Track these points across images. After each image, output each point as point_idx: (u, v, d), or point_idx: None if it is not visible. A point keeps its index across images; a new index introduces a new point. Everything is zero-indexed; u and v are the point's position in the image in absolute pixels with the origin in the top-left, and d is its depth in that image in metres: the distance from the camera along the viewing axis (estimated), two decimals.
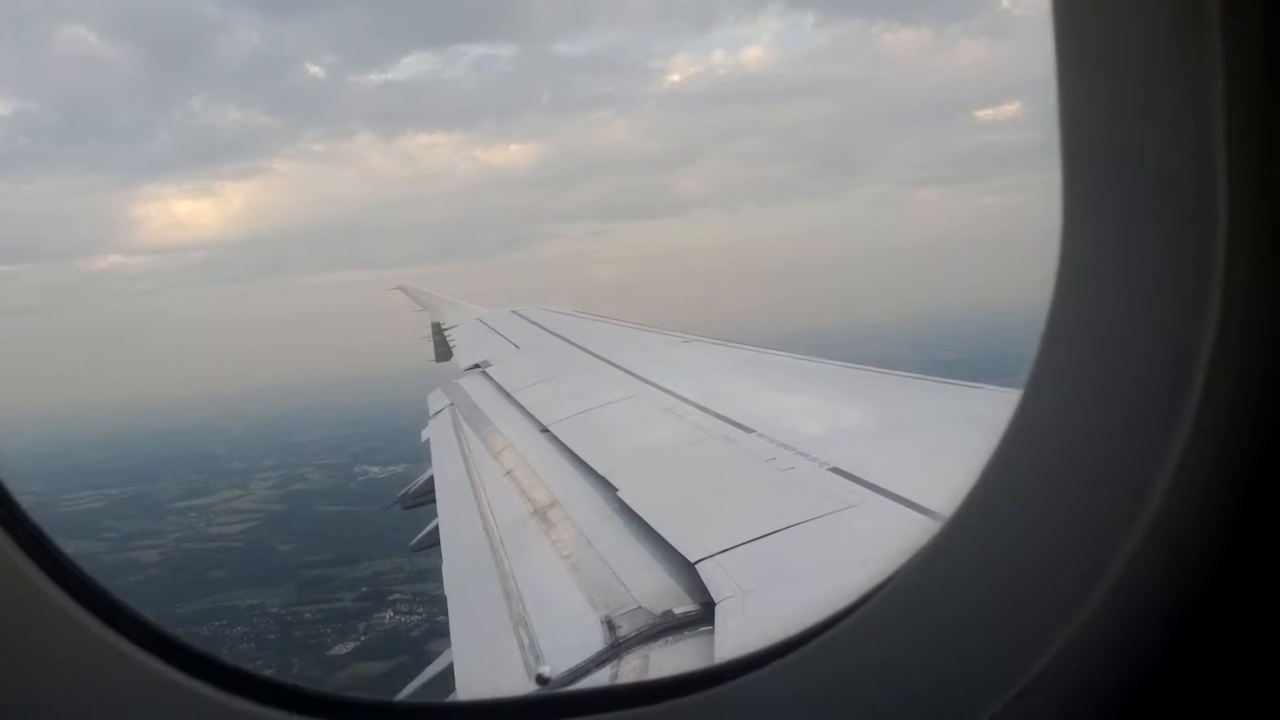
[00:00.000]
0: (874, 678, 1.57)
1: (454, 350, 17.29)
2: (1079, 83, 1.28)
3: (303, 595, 40.82)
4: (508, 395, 10.98)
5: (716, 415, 7.37)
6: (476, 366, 13.83)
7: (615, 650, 4.14)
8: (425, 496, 10.41)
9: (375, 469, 55.01)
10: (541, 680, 3.98)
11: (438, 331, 19.57)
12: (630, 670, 3.92)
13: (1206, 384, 1.23)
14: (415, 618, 35.19)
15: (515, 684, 4.28)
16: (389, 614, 36.90)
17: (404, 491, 12.44)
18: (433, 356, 18.57)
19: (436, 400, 13.07)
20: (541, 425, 8.82)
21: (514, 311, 18.61)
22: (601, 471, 6.63)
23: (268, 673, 1.67)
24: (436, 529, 8.27)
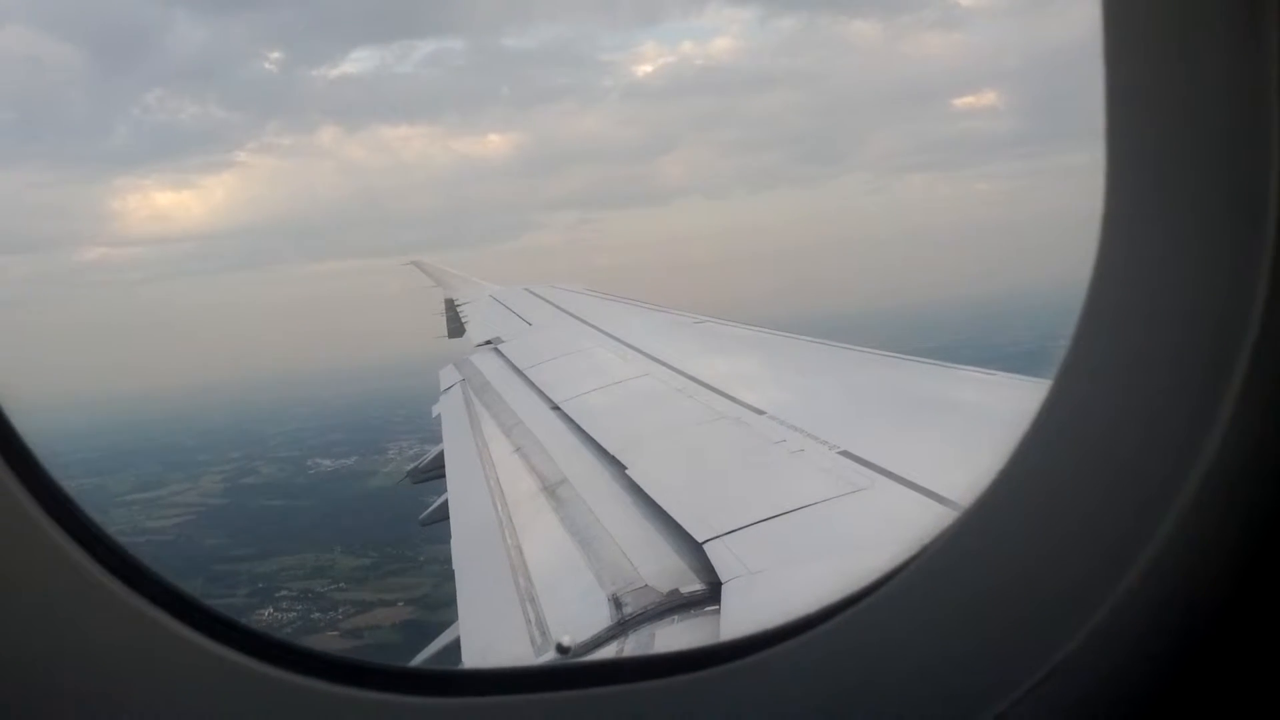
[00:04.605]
0: (895, 656, 1.57)
1: (467, 326, 17.33)
2: (1127, 67, 1.24)
3: (203, 590, 41.09)
4: (519, 372, 10.99)
5: (727, 396, 7.36)
6: (489, 343, 13.85)
7: (621, 627, 4.16)
8: (435, 471, 10.46)
9: (327, 462, 55.35)
10: (562, 649, 3.99)
11: (451, 307, 19.64)
12: (635, 648, 3.94)
13: (1246, 380, 1.20)
14: (291, 615, 36.05)
15: (520, 658, 4.31)
16: (269, 611, 37.51)
17: (414, 466, 12.51)
18: (445, 332, 18.65)
19: (448, 376, 13.11)
20: (552, 402, 8.83)
21: (527, 289, 18.62)
22: (611, 450, 6.64)
23: (297, 641, 1.70)
24: (445, 503, 8.32)
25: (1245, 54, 1.13)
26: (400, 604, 34.79)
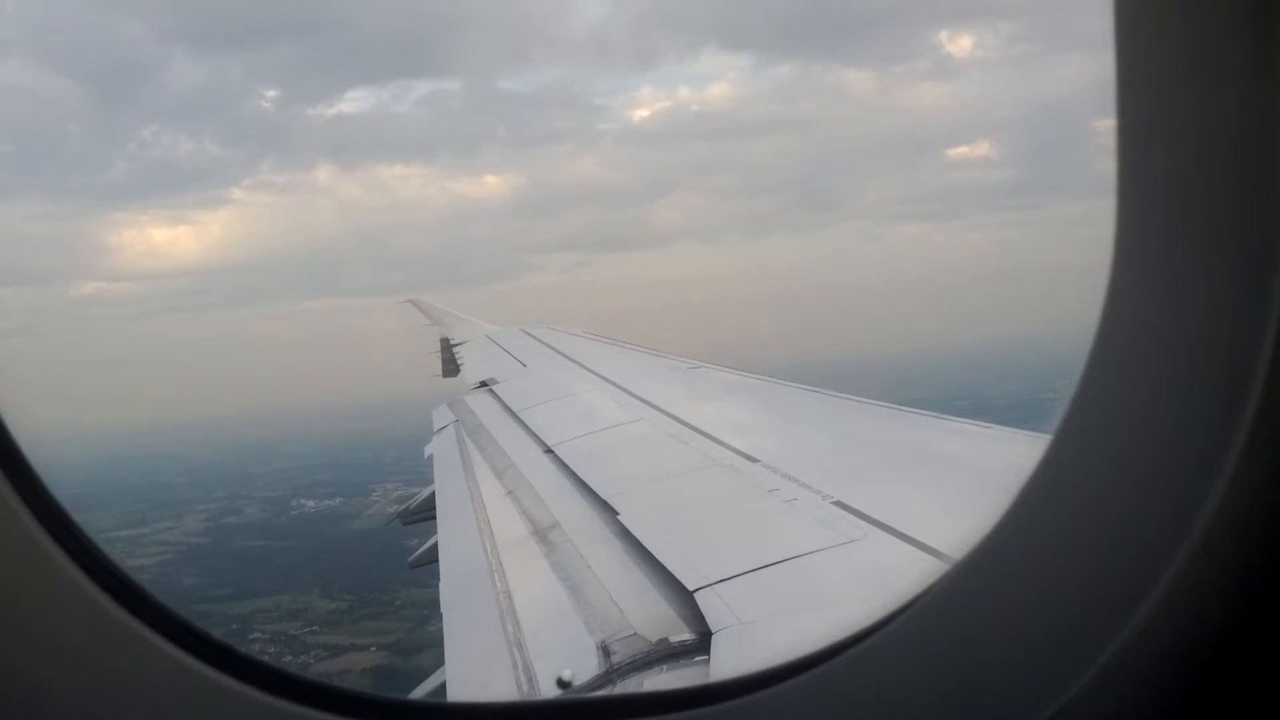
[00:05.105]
0: (895, 699, 1.56)
1: (462, 366, 17.32)
2: (1139, 113, 1.26)
3: None
4: (513, 414, 10.97)
5: (721, 443, 7.35)
6: (484, 384, 13.84)
7: (609, 676, 4.10)
8: (426, 513, 10.39)
9: (311, 503, 54.97)
10: (562, 684, 3.95)
11: (446, 347, 19.63)
12: None
13: (1256, 419, 1.21)
14: (262, 658, 35.55)
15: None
16: None
17: (405, 507, 12.42)
18: (440, 372, 18.62)
19: (441, 416, 13.07)
20: (545, 445, 8.81)
21: (523, 330, 18.66)
22: (603, 495, 6.61)
23: (292, 670, 1.70)
24: (435, 546, 8.25)
25: (1257, 88, 1.15)
26: (372, 649, 34.45)
